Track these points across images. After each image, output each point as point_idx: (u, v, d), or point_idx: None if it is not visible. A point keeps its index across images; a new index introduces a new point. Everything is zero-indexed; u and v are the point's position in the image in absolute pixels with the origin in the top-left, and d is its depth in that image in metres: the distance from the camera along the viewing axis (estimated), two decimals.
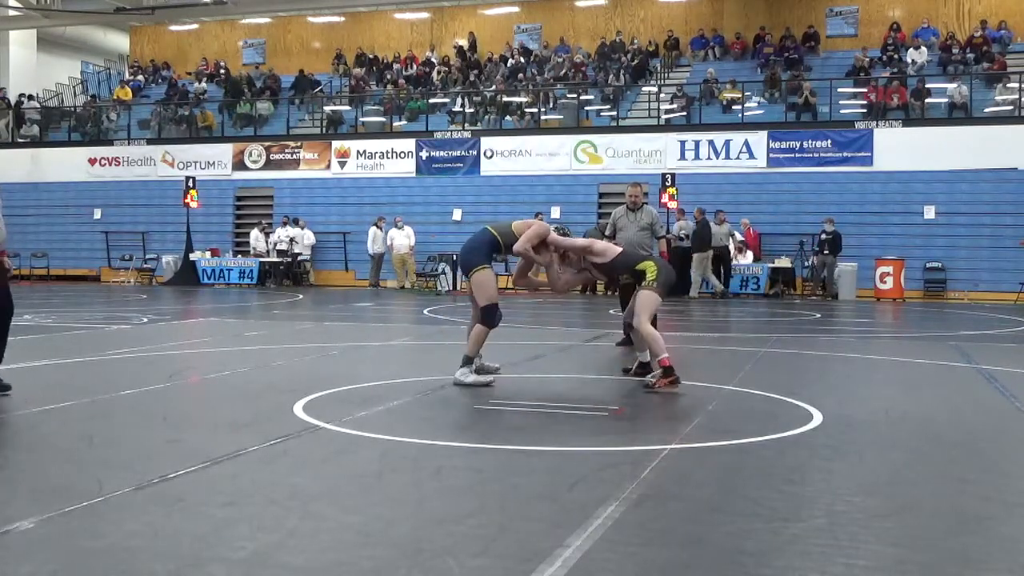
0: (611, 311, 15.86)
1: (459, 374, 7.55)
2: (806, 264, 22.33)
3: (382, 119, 27.80)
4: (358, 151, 26.62)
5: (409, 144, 26.25)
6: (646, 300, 7.52)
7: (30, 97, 32.91)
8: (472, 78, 29.12)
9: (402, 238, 24.13)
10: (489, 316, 7.57)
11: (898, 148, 22.75)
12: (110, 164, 28.80)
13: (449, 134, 26.37)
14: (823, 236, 21.38)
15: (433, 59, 30.51)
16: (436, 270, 23.38)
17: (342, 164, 26.72)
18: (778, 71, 26.27)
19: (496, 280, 7.78)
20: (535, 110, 26.96)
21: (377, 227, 24.51)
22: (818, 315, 16.83)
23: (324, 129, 28.27)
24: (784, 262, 22.32)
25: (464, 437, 5.66)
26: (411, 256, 24.19)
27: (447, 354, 10.50)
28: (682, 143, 24.22)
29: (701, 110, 25.48)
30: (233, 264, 25.60)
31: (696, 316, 16.71)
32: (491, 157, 25.50)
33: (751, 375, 8.50)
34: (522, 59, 29.26)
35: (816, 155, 23.37)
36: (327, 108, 29.02)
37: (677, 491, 4.48)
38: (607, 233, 11.18)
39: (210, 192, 26.83)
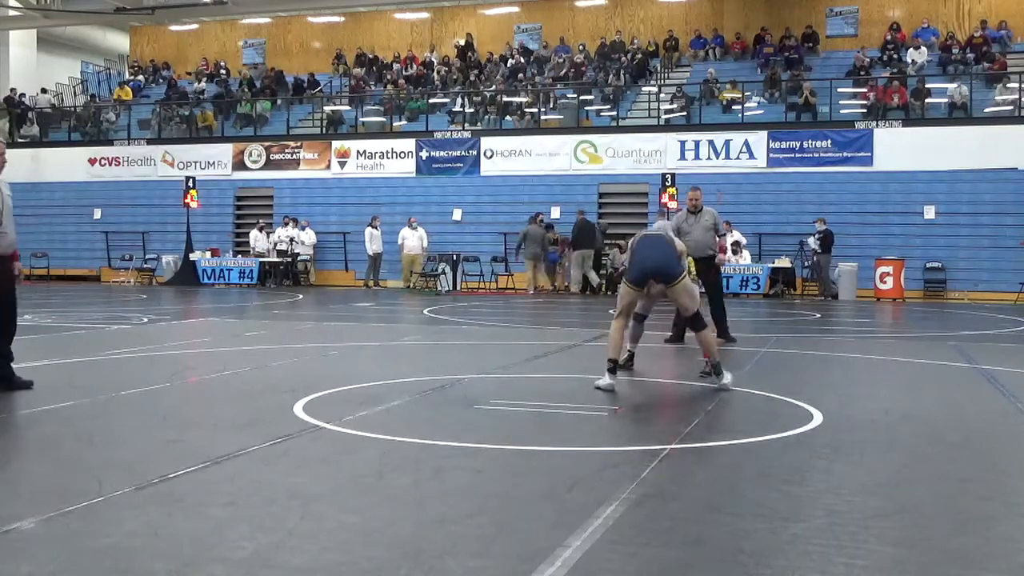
0: (609, 311, 15.82)
1: (727, 379, 7.60)
2: (806, 264, 22.32)
3: (382, 119, 27.79)
4: (358, 151, 26.60)
5: (409, 144, 26.24)
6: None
7: (42, 91, 32.84)
8: (472, 78, 29.11)
9: (414, 239, 24.05)
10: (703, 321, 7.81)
11: (898, 148, 22.73)
12: (110, 164, 28.79)
13: (449, 134, 26.36)
14: (816, 235, 21.34)
15: (433, 59, 30.50)
16: (436, 270, 23.36)
17: (342, 164, 26.71)
18: (778, 71, 26.25)
19: None
20: (535, 110, 26.94)
21: (372, 227, 24.48)
22: (818, 315, 16.83)
23: (324, 129, 28.26)
24: (784, 262, 22.30)
25: (464, 437, 5.66)
26: (421, 257, 24.12)
27: (447, 354, 10.51)
28: (682, 143, 24.20)
29: (701, 110, 25.46)
30: (233, 264, 25.58)
31: None
32: (491, 157, 25.49)
33: (751, 375, 8.50)
34: (522, 59, 29.25)
35: (816, 155, 23.36)
36: (327, 108, 29.01)
37: (677, 491, 4.48)
38: None
39: (210, 192, 26.82)
